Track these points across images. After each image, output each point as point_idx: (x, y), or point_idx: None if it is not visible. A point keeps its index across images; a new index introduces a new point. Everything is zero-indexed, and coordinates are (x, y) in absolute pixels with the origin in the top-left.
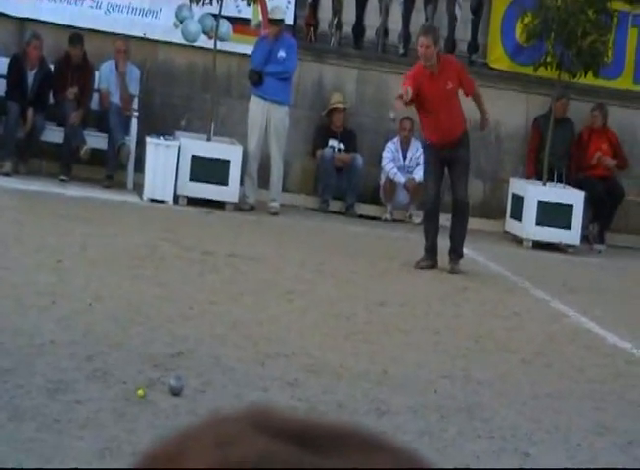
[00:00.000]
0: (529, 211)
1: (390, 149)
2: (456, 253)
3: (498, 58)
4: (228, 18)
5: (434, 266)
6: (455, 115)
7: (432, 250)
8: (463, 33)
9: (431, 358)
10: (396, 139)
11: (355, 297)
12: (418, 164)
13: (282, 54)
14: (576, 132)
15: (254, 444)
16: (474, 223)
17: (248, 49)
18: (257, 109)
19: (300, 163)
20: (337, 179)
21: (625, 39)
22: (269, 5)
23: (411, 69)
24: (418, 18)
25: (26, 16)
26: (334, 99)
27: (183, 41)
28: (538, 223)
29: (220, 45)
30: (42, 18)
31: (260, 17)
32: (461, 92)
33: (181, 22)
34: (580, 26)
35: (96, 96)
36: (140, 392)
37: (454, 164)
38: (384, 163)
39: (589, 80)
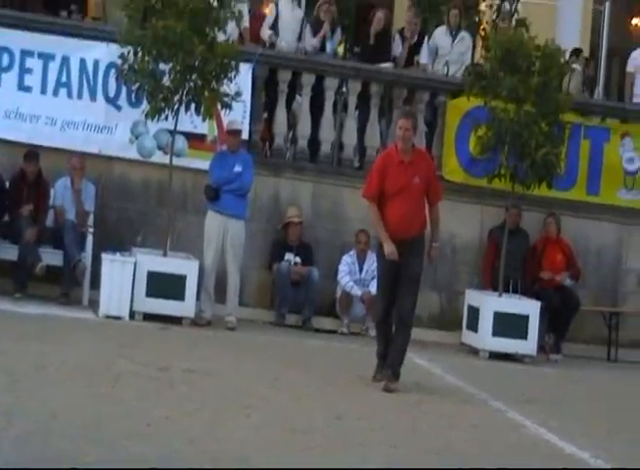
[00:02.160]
0: (485, 322)
1: (347, 262)
2: (393, 370)
3: (453, 170)
4: (184, 133)
5: None
6: (417, 213)
7: (384, 357)
8: (417, 146)
9: None
10: (352, 252)
11: (312, 411)
12: (374, 278)
13: (238, 169)
14: (531, 243)
15: None
16: (430, 335)
17: (204, 164)
18: (214, 223)
19: (257, 276)
20: (293, 293)
21: (578, 151)
22: (225, 119)
23: (376, 161)
24: (372, 131)
25: None
26: (289, 213)
27: (139, 157)
28: (494, 334)
29: (176, 161)
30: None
31: (216, 131)
32: None
33: (137, 137)
34: (534, 139)
35: (51, 213)
36: None
37: (405, 277)
38: (340, 276)
39: (543, 192)
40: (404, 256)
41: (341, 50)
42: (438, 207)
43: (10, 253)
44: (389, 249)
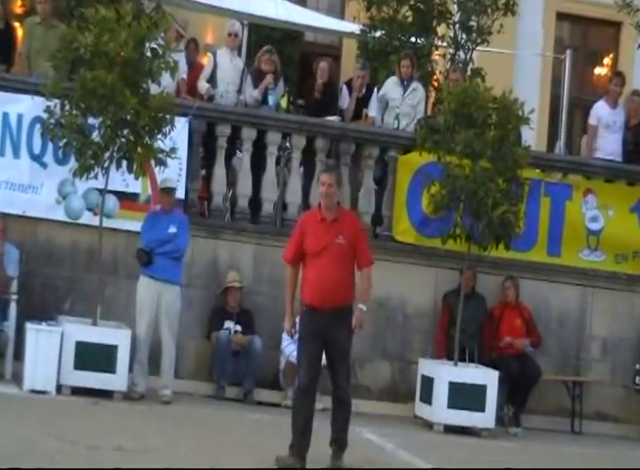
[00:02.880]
0: (440, 394)
1: None
2: (339, 445)
3: (404, 230)
4: (115, 192)
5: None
6: (341, 278)
7: (303, 434)
8: (367, 205)
9: None
10: (297, 318)
11: None
12: None
13: (173, 230)
14: (488, 308)
15: None
16: (381, 408)
17: (136, 226)
18: (147, 290)
19: (194, 346)
20: (233, 364)
21: (538, 209)
22: (159, 177)
23: (298, 220)
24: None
25: None
26: (229, 277)
27: (66, 218)
28: (450, 406)
29: (106, 222)
30: None
31: (150, 190)
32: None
33: (64, 197)
34: (490, 197)
35: None
36: None
37: (332, 349)
38: (283, 344)
39: (500, 253)
40: (329, 328)
41: (284, 102)
42: (370, 272)
43: None
44: (287, 326)
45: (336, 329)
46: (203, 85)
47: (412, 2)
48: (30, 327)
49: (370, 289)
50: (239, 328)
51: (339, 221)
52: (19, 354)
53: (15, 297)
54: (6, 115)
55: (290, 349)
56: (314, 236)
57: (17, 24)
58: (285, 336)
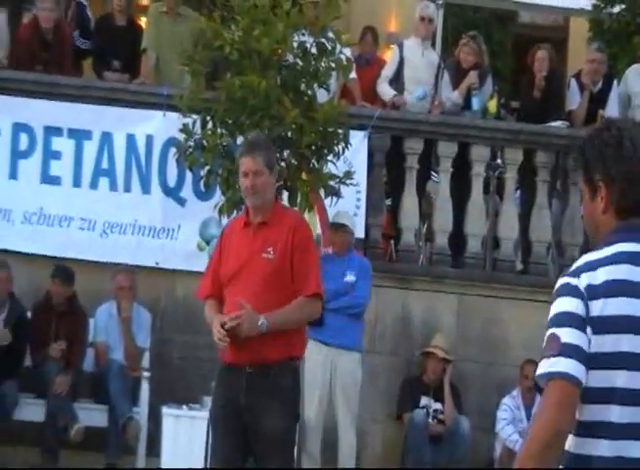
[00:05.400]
0: None
1: (508, 406)
2: None
3: None
4: None
5: None
6: (268, 311)
7: None
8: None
9: None
10: (516, 392)
11: None
12: None
13: (350, 279)
14: None
15: None
16: None
17: None
18: (317, 359)
19: (380, 431)
20: (433, 452)
21: None
22: (330, 211)
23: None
24: (540, 219)
25: None
26: (434, 341)
27: None
28: None
29: None
30: (12, 247)
31: (318, 229)
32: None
33: (207, 242)
34: None
35: (90, 353)
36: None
37: (255, 437)
38: (499, 426)
39: None
40: (253, 396)
41: (492, 106)
42: (310, 306)
43: (34, 411)
44: (215, 329)
45: (261, 401)
46: (385, 88)
47: None
48: (168, 412)
49: (298, 320)
50: (439, 406)
51: (269, 226)
52: (153, 448)
53: (147, 374)
54: (131, 137)
55: (507, 431)
56: (232, 250)
57: (144, 20)
58: (501, 415)
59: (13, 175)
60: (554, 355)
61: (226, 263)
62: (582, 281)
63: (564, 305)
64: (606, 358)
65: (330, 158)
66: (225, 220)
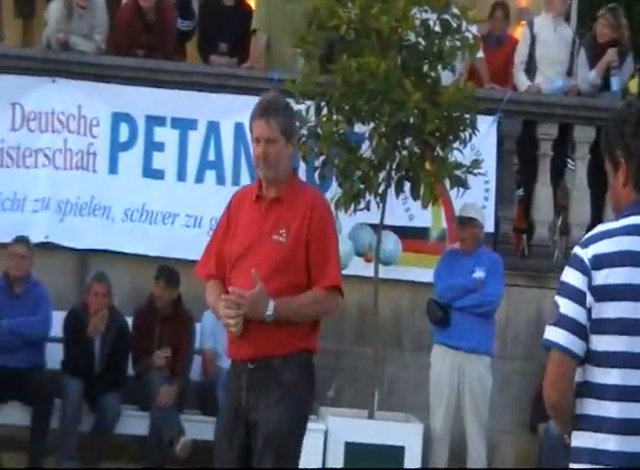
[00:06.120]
0: None
1: None
2: None
3: None
4: (395, 229)
5: None
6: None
7: None
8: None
9: None
10: None
11: None
12: None
13: (478, 276)
14: None
15: None
16: None
17: (425, 274)
18: (443, 364)
19: (513, 443)
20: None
21: None
22: (456, 203)
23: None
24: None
25: (89, 247)
26: None
27: None
28: None
29: (383, 271)
30: (112, 247)
31: (444, 223)
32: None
33: None
34: None
35: (198, 360)
36: None
37: (258, 435)
38: None
39: None
40: (254, 395)
41: (634, 86)
42: (330, 299)
43: (137, 424)
44: (225, 310)
45: (267, 399)
46: (521, 78)
47: None
48: None
49: (310, 314)
50: None
51: (284, 204)
52: None
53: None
54: (239, 126)
55: None
56: (241, 226)
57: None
58: None
59: (112, 169)
60: (553, 324)
61: (232, 241)
62: (589, 252)
63: (568, 276)
64: (608, 324)
65: (456, 145)
66: (342, 215)
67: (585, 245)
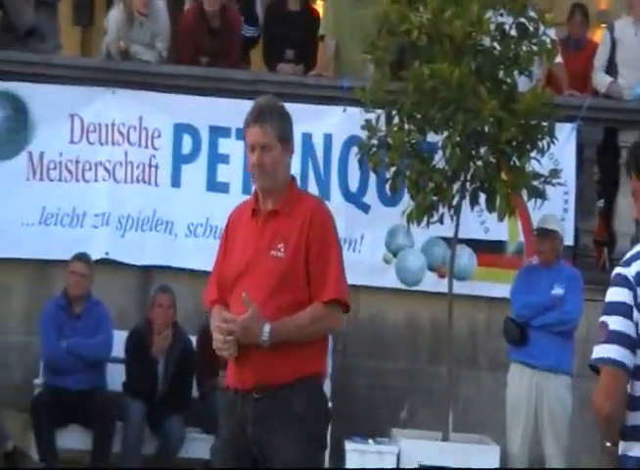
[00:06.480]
0: None
1: None
2: None
3: None
4: (469, 242)
5: None
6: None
7: None
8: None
9: None
10: None
11: None
12: None
13: (558, 292)
14: None
15: None
16: None
17: (502, 290)
18: (521, 384)
19: (595, 465)
20: None
21: None
22: (534, 215)
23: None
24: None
25: (151, 263)
26: None
27: (399, 284)
28: None
29: (458, 286)
30: (175, 264)
31: (521, 236)
32: None
33: (395, 254)
34: None
35: None
36: None
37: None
38: None
39: None
40: (262, 429)
41: None
42: (329, 315)
43: (202, 447)
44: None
45: (275, 431)
46: (602, 79)
47: None
48: (352, 447)
49: (310, 333)
50: None
51: (281, 216)
52: None
53: (329, 405)
54: (307, 137)
55: None
56: (238, 245)
57: (319, 3)
58: None
59: (175, 183)
60: (602, 342)
61: (229, 262)
62: (632, 270)
63: (613, 294)
64: None
65: (533, 154)
66: (415, 228)
67: (627, 264)
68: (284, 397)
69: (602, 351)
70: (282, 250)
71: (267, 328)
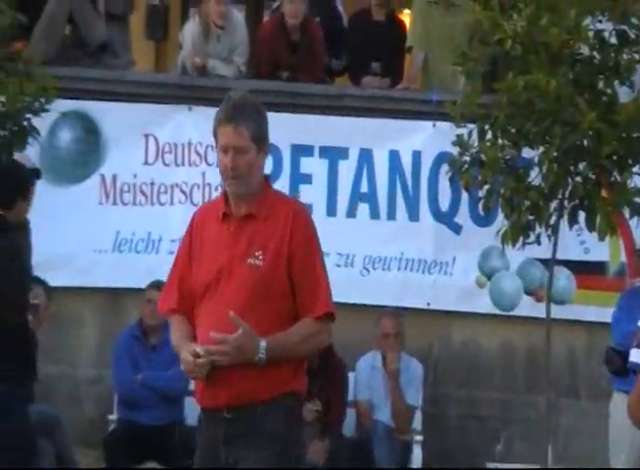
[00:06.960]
0: None
1: None
2: None
3: None
4: (568, 264)
5: None
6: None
7: None
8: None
9: None
10: None
11: None
12: None
13: None
14: None
15: None
16: None
17: (603, 314)
18: (624, 414)
19: None
20: None
21: None
22: (637, 235)
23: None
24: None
25: None
26: None
27: (494, 310)
28: None
29: (556, 311)
30: None
31: (623, 256)
32: None
33: (489, 277)
34: None
35: (351, 413)
36: None
37: None
38: None
39: None
40: (234, 449)
41: None
42: (324, 327)
43: None
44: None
45: (240, 454)
46: None
47: None
48: None
49: (303, 350)
50: None
51: (257, 220)
52: None
53: (419, 437)
54: (394, 154)
55: None
56: (207, 251)
57: (406, 12)
58: None
59: None
60: (636, 347)
61: (198, 271)
62: None
63: None
64: None
65: (635, 169)
66: (510, 249)
67: None
68: (257, 415)
69: (636, 354)
70: (260, 257)
71: (264, 344)
